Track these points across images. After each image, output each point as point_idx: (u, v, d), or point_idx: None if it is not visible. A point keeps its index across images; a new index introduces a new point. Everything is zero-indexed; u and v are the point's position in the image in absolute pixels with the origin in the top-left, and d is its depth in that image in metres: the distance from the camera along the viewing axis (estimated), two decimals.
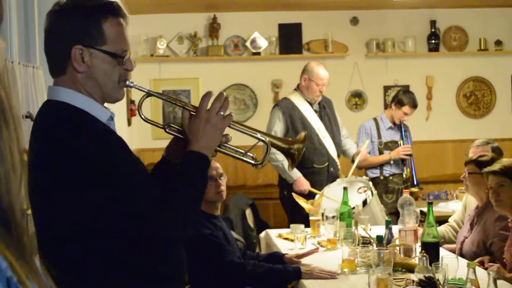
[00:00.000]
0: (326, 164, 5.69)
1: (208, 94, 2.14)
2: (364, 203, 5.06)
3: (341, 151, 5.95)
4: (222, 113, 2.12)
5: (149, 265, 2.03)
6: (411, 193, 5.15)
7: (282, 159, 5.61)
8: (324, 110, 5.83)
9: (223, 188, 3.88)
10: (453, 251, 4.11)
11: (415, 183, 6.12)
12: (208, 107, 2.13)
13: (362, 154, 5.76)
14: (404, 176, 6.16)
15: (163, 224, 1.94)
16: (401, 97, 6.30)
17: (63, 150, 1.92)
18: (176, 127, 2.23)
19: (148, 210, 1.93)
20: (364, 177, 5.72)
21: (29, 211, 2.23)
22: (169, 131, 2.24)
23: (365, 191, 5.23)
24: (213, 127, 2.10)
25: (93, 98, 2.05)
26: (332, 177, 5.65)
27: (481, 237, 3.94)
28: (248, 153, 2.30)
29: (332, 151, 5.74)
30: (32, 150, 2.00)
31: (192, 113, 2.14)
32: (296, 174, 5.58)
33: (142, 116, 2.28)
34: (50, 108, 2.05)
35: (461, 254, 4.01)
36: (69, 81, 2.02)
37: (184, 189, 2.02)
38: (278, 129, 5.68)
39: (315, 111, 5.78)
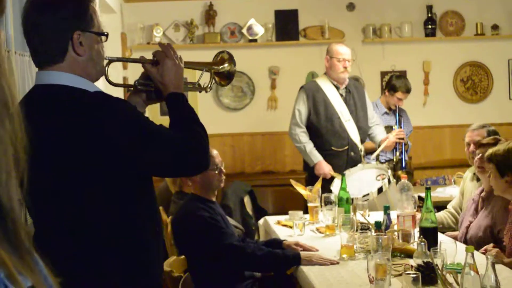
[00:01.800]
0: (346, 147, 5.68)
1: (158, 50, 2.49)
2: (380, 190, 5.05)
3: (369, 137, 5.94)
4: (177, 55, 2.49)
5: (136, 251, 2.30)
6: (399, 176, 5.16)
7: (305, 141, 5.66)
8: (350, 94, 5.82)
9: (224, 175, 3.97)
10: (455, 238, 4.09)
11: (403, 165, 6.11)
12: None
13: (389, 141, 5.73)
14: (394, 159, 6.17)
15: (198, 152, 2.31)
16: (394, 82, 6.34)
17: (125, 118, 2.19)
18: (142, 81, 2.53)
19: (183, 145, 2.27)
20: (385, 165, 5.70)
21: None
22: (141, 87, 2.53)
23: (383, 179, 5.21)
24: (179, 67, 2.46)
25: (91, 80, 2.29)
26: (353, 161, 5.63)
27: (488, 222, 3.88)
28: (198, 83, 2.72)
29: (354, 135, 5.72)
30: (54, 134, 2.16)
31: (152, 64, 2.47)
32: (317, 157, 5.60)
33: (111, 82, 2.53)
34: (68, 92, 2.21)
35: (465, 239, 3.97)
36: (68, 68, 2.22)
37: (195, 122, 2.39)
38: (302, 109, 5.74)
39: (341, 94, 5.78)
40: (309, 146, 5.65)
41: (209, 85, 2.70)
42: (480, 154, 4.04)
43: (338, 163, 5.62)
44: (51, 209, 2.25)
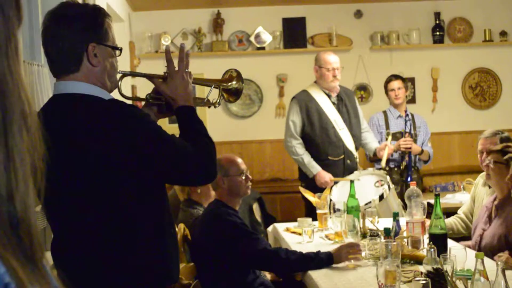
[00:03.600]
0: (342, 156, 5.66)
1: (170, 61, 2.59)
2: (381, 197, 5.05)
3: (361, 144, 5.91)
4: (187, 70, 2.60)
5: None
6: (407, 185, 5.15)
7: (302, 153, 5.62)
8: (342, 102, 5.79)
9: (250, 181, 4.04)
10: (468, 247, 4.06)
11: (408, 178, 6.01)
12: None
13: (390, 149, 5.72)
14: (401, 167, 6.15)
15: (206, 162, 2.41)
16: (384, 85, 6.41)
17: (141, 125, 2.31)
18: (154, 95, 2.65)
19: (192, 154, 2.36)
20: (382, 170, 5.69)
21: (37, 209, 2.41)
22: (152, 101, 2.65)
23: (382, 185, 5.21)
24: (187, 83, 2.58)
25: (106, 90, 2.40)
26: (349, 169, 5.63)
27: (502, 231, 3.83)
28: (207, 99, 2.82)
29: (349, 143, 5.71)
30: (80, 140, 2.27)
31: (162, 79, 2.59)
32: (316, 168, 5.57)
33: (124, 95, 2.65)
34: (84, 100, 2.32)
35: (479, 248, 3.94)
36: (83, 77, 2.34)
37: (204, 134, 2.50)
38: (296, 120, 5.70)
39: (333, 103, 5.76)
40: (307, 158, 5.62)
41: (217, 101, 2.82)
42: (488, 161, 4.02)
43: (335, 172, 5.60)
44: (70, 214, 2.34)
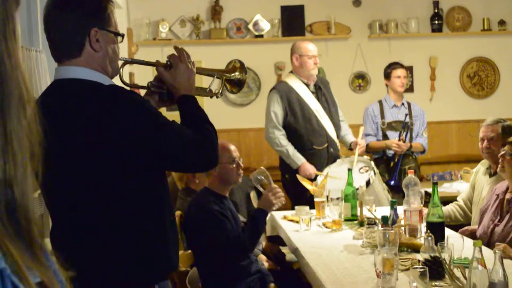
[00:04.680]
0: (326, 145, 5.65)
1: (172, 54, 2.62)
2: (368, 183, 5.05)
3: (339, 135, 5.89)
4: (190, 60, 2.61)
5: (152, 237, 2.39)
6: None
7: (286, 144, 5.59)
8: (321, 91, 5.77)
9: (241, 169, 4.05)
10: (474, 232, 4.04)
11: (392, 181, 5.96)
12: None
13: (362, 146, 5.67)
14: (390, 165, 6.12)
15: (208, 148, 2.39)
16: (386, 70, 6.37)
17: (141, 109, 2.29)
18: (155, 83, 2.65)
19: (193, 140, 2.35)
20: (365, 156, 5.69)
21: (35, 194, 2.40)
22: (154, 89, 2.65)
23: (367, 171, 5.21)
24: (191, 72, 2.58)
25: (108, 76, 2.39)
26: (332, 158, 5.62)
27: None
28: (210, 89, 2.83)
29: (331, 131, 5.70)
30: (81, 124, 2.26)
31: (165, 67, 2.59)
32: (300, 159, 5.54)
33: (125, 82, 2.67)
34: (84, 85, 2.31)
35: (489, 242, 3.79)
36: (85, 62, 2.32)
37: (205, 121, 2.50)
38: (278, 111, 5.66)
39: (312, 92, 5.74)
40: (291, 149, 5.59)
41: (219, 91, 2.82)
42: (504, 152, 3.87)
43: (320, 161, 5.59)
44: (70, 201, 2.32)
